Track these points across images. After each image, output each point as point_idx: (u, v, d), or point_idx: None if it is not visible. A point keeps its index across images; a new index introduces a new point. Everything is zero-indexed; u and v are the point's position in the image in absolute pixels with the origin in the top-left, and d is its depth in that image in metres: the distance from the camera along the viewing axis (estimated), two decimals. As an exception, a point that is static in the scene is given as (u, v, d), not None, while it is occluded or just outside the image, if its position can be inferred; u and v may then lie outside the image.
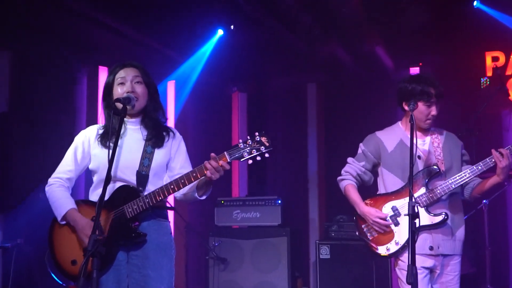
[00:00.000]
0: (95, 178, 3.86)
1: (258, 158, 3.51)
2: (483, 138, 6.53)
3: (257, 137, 3.51)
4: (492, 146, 7.07)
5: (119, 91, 3.76)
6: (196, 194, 3.80)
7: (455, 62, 7.75)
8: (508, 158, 4.12)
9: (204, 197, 3.85)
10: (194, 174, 3.59)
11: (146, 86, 3.84)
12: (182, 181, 3.60)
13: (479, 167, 4.20)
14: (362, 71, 8.37)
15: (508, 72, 7.36)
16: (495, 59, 7.43)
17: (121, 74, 3.81)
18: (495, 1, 7.10)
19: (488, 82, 7.47)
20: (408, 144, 3.93)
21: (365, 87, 8.31)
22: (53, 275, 3.77)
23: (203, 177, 3.61)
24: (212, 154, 3.56)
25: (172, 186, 3.61)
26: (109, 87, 3.85)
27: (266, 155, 3.51)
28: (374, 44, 7.36)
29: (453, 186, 4.21)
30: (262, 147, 3.49)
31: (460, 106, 7.17)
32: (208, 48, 8.01)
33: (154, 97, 3.91)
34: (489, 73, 7.44)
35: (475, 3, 7.11)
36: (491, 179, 4.28)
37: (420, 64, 8.02)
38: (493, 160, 4.16)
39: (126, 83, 3.77)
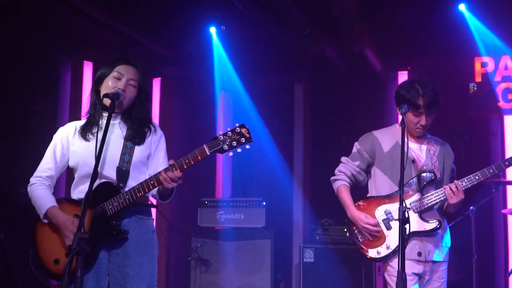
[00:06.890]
0: (76, 176, 3.79)
1: (239, 150, 3.47)
2: (471, 143, 6.51)
3: (237, 128, 3.46)
4: (480, 151, 7.15)
5: (110, 84, 3.70)
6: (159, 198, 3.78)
7: (443, 67, 7.71)
8: (459, 194, 4.08)
9: (166, 201, 3.80)
10: (152, 182, 3.54)
11: (138, 90, 3.77)
12: (152, 182, 3.55)
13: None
14: (351, 72, 8.32)
15: (497, 78, 7.33)
16: (484, 64, 7.40)
17: (121, 69, 3.74)
18: (480, 8, 7.08)
19: (475, 88, 7.44)
20: (404, 147, 3.84)
21: (352, 89, 8.26)
22: (36, 274, 3.67)
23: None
24: (170, 162, 3.50)
25: (152, 182, 3.55)
26: (103, 77, 3.76)
27: (247, 146, 3.47)
28: (364, 46, 7.29)
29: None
30: (243, 138, 3.44)
31: (448, 110, 7.13)
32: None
33: (143, 102, 3.85)
34: (478, 79, 7.41)
35: (461, 6, 7.07)
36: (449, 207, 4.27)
37: (409, 68, 7.99)
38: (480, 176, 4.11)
39: (122, 79, 3.70)
